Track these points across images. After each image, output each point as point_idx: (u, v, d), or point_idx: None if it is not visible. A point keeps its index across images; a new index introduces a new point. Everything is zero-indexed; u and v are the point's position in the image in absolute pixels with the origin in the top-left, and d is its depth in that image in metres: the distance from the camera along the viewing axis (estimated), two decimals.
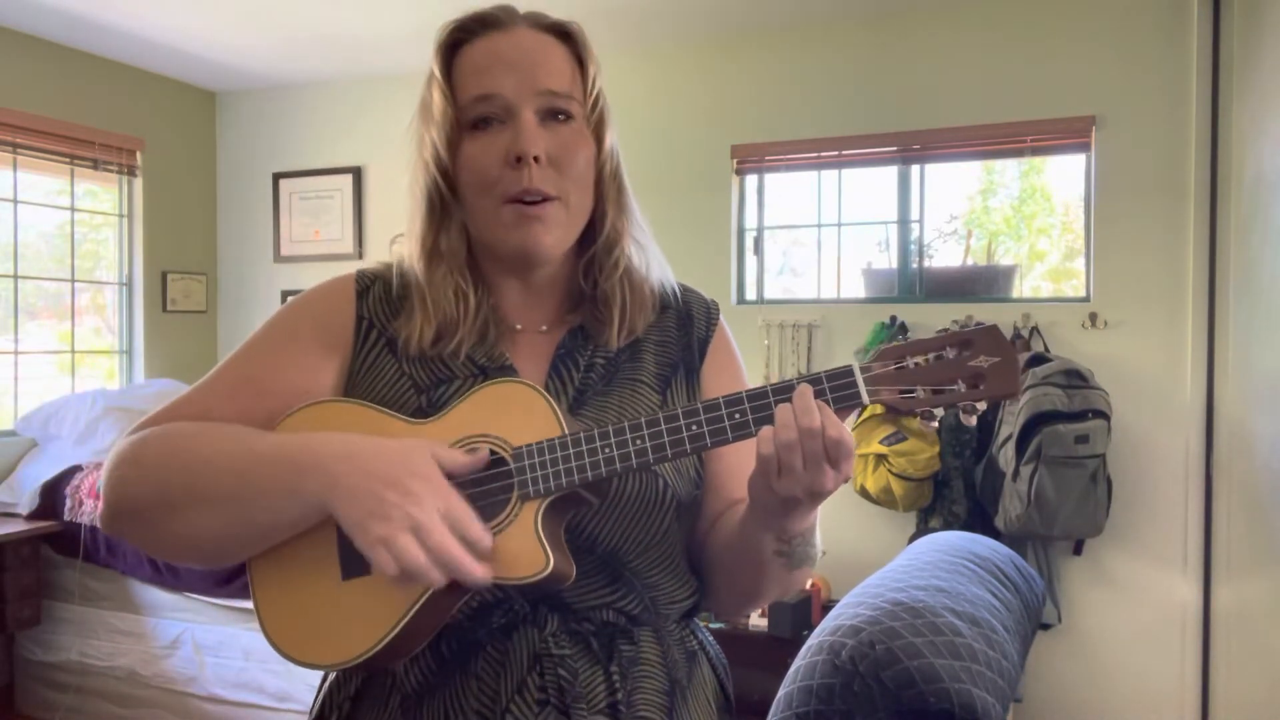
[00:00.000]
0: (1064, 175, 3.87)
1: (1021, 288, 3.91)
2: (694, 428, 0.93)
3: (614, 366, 1.10)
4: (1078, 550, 3.60)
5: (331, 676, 1.10)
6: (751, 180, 4.24)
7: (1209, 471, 3.47)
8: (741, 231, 4.24)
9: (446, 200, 1.07)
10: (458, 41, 1.07)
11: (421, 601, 0.93)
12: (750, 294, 4.24)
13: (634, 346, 1.12)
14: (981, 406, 0.91)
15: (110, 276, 4.72)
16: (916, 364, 0.92)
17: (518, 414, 0.97)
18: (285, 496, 0.93)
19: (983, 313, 3.72)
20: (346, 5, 3.85)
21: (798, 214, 4.23)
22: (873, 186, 4.09)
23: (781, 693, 1.39)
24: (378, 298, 1.11)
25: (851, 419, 3.31)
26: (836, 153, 4.03)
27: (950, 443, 3.61)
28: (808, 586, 3.64)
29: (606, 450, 0.94)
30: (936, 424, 0.85)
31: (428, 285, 1.06)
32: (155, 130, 4.76)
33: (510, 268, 1.09)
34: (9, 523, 3.76)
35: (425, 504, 0.88)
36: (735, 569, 1.06)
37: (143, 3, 3.85)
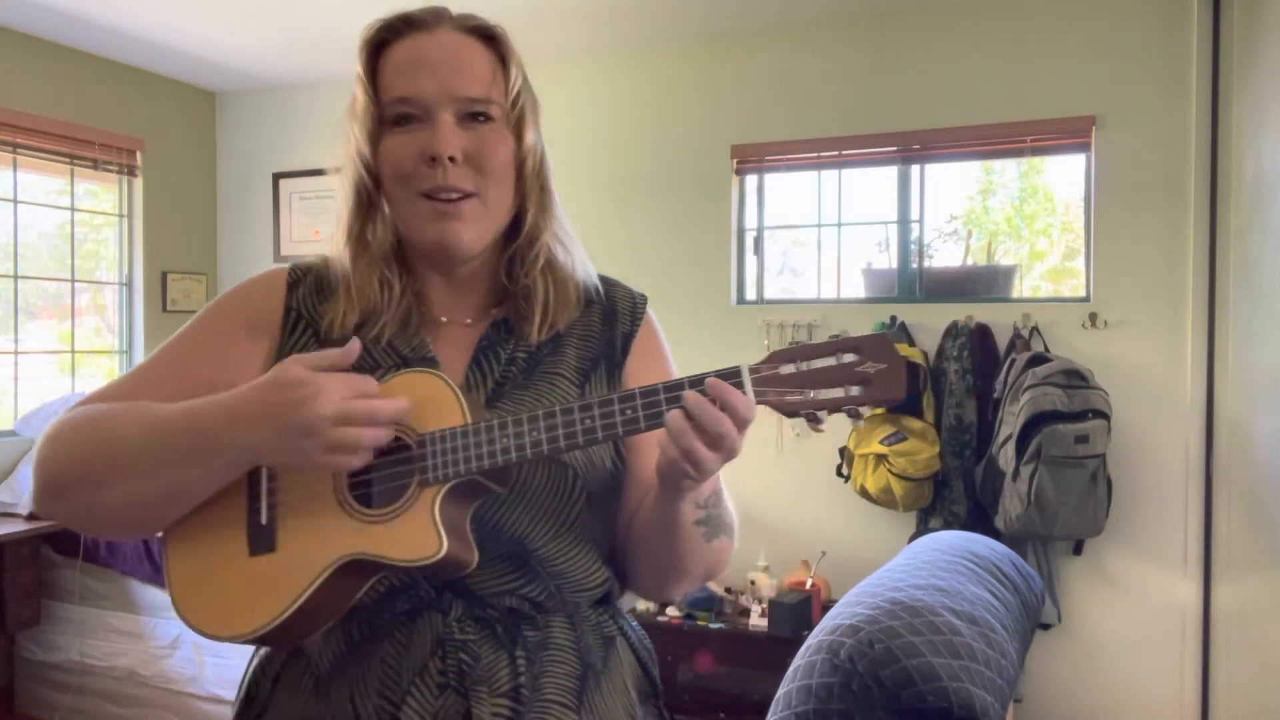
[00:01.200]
0: (1064, 175, 3.87)
1: (1021, 288, 3.91)
2: (587, 421, 0.96)
3: (535, 360, 1.12)
4: (1078, 550, 3.60)
5: (257, 660, 1.13)
6: (751, 180, 4.24)
7: (1209, 471, 3.47)
8: (741, 231, 4.24)
9: (372, 193, 1.10)
10: (384, 40, 1.10)
11: (321, 579, 0.97)
12: (750, 294, 4.24)
13: (556, 341, 1.14)
14: (866, 411, 0.94)
15: (110, 276, 4.72)
16: (806, 368, 0.95)
17: (426, 403, 1.00)
18: (198, 465, 0.97)
19: (983, 313, 3.72)
20: (346, 5, 3.85)
21: (798, 214, 4.23)
22: (873, 186, 4.09)
23: (781, 692, 1.39)
24: (308, 290, 1.14)
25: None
26: (836, 153, 4.03)
27: (950, 443, 3.61)
28: (807, 586, 3.64)
29: (504, 440, 0.97)
30: (824, 426, 0.88)
31: (353, 272, 1.10)
32: (155, 130, 4.76)
33: (433, 262, 1.12)
34: (9, 523, 3.76)
35: (326, 396, 0.92)
36: (658, 547, 1.08)
37: (143, 3, 3.85)
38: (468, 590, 1.04)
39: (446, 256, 1.09)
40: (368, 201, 1.10)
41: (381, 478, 0.99)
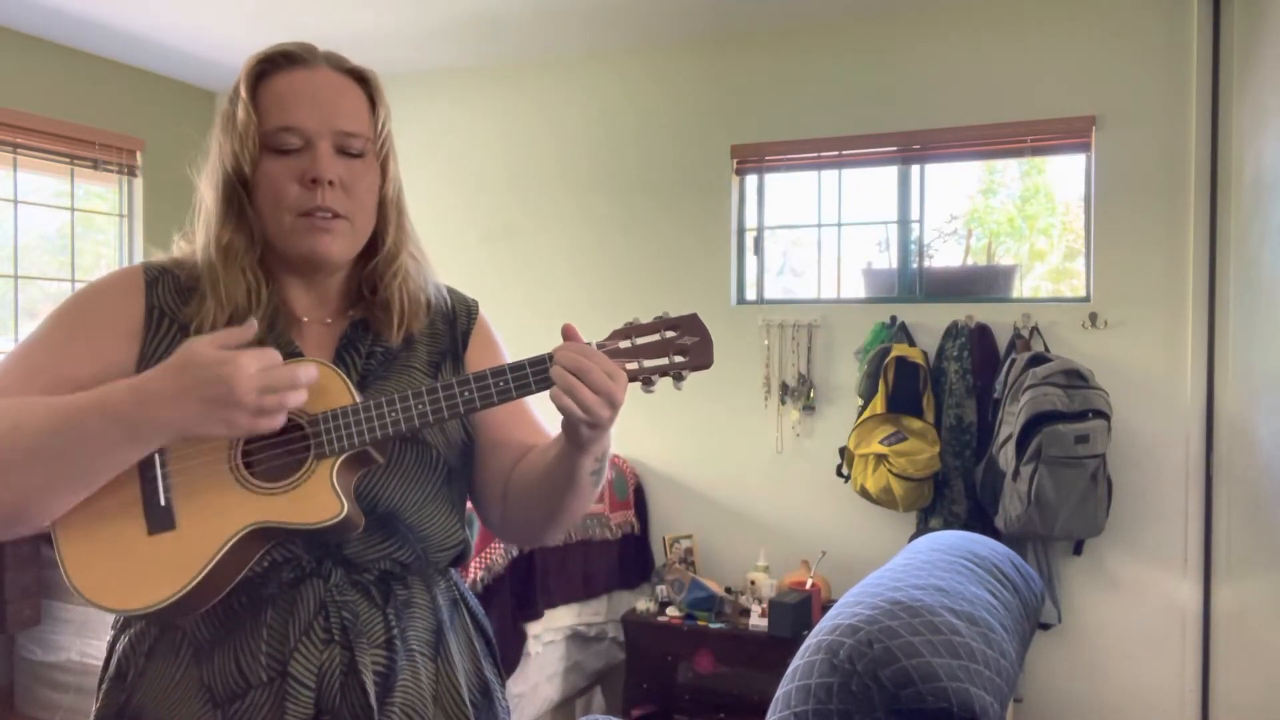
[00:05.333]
0: (1064, 175, 3.87)
1: (1022, 288, 3.91)
2: (466, 393, 1.11)
3: (391, 355, 1.27)
4: (1078, 550, 3.60)
5: (125, 638, 1.22)
6: (751, 180, 4.24)
7: (1209, 471, 3.47)
8: (741, 231, 4.24)
9: (243, 205, 1.19)
10: (264, 72, 1.20)
11: (226, 548, 1.07)
12: (750, 294, 4.24)
13: (408, 340, 1.29)
14: (686, 375, 1.14)
15: None
16: (638, 342, 1.13)
17: (313, 388, 1.10)
18: (105, 450, 1.04)
19: (983, 313, 3.72)
20: (346, 5, 3.85)
21: (798, 214, 4.23)
22: (873, 186, 4.09)
23: (780, 692, 1.39)
24: (168, 288, 1.22)
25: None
26: (836, 153, 4.03)
27: (950, 443, 3.61)
28: (807, 586, 3.64)
29: (393, 414, 1.10)
30: (654, 389, 1.05)
31: (223, 278, 1.18)
32: (155, 130, 4.76)
33: (297, 269, 1.23)
34: None
35: (246, 369, 1.01)
36: (554, 497, 1.23)
37: (143, 3, 3.85)
38: (345, 558, 1.18)
39: (314, 266, 1.21)
40: (238, 214, 1.19)
41: (275, 455, 1.11)
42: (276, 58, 1.21)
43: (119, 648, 1.22)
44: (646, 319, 1.14)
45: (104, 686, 1.22)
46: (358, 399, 1.12)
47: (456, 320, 1.35)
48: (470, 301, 1.40)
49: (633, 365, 1.12)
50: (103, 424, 1.03)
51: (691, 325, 1.13)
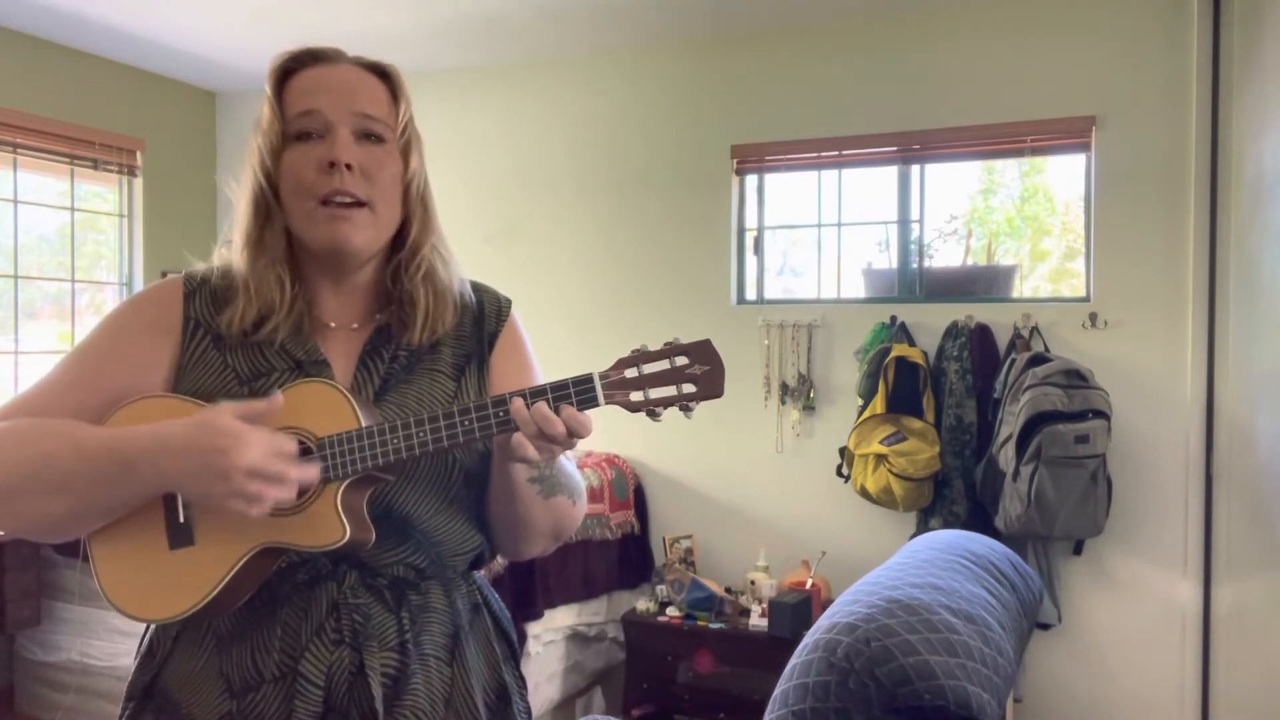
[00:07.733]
0: (1064, 175, 3.87)
1: (1022, 288, 3.91)
2: (466, 424, 1.10)
3: (415, 358, 1.26)
4: (1078, 550, 3.59)
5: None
6: (751, 180, 4.24)
7: (1209, 471, 3.46)
8: (741, 231, 4.24)
9: (270, 202, 1.21)
10: (290, 70, 1.23)
11: (239, 566, 1.11)
12: (750, 294, 4.24)
13: (434, 341, 1.28)
14: (695, 405, 1.08)
15: (110, 276, 4.72)
16: (645, 371, 1.08)
17: (321, 410, 1.13)
18: (120, 488, 1.09)
19: (983, 313, 3.72)
20: (349, 5, 3.85)
21: (798, 214, 4.22)
22: (873, 186, 4.09)
23: (778, 690, 1.39)
24: (205, 299, 1.25)
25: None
26: (836, 153, 4.02)
27: (950, 443, 3.60)
28: (807, 586, 3.64)
29: (395, 441, 1.10)
30: (661, 419, 1.02)
31: (250, 272, 1.21)
32: (155, 130, 4.76)
33: (325, 268, 1.24)
34: None
35: (247, 450, 1.03)
36: (504, 507, 1.24)
37: (143, 3, 3.85)
38: (360, 562, 1.19)
39: (338, 258, 1.21)
40: (265, 209, 1.21)
41: None
42: (302, 55, 1.23)
43: (152, 626, 1.26)
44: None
45: (137, 660, 1.26)
46: (363, 424, 1.11)
47: (484, 320, 1.32)
48: (503, 300, 1.36)
49: (638, 396, 1.08)
50: (116, 466, 1.08)
51: (703, 353, 1.08)
